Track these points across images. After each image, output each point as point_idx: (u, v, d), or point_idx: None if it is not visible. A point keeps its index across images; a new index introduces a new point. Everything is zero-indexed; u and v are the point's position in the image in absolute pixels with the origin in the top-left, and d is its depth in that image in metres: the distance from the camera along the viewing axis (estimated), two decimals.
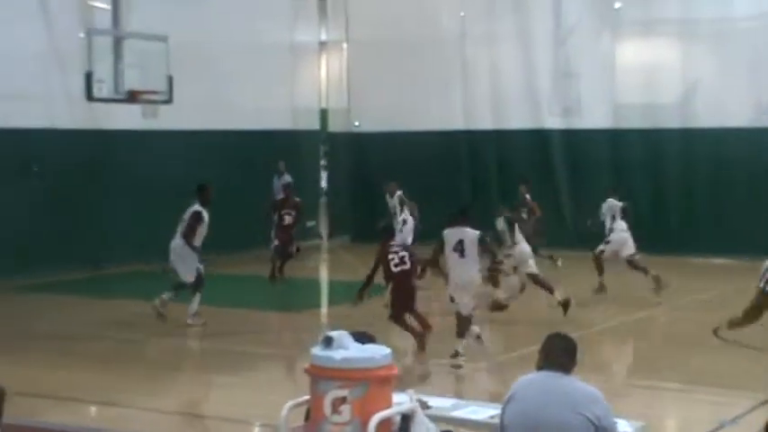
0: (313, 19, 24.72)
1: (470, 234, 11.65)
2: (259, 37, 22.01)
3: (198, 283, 13.98)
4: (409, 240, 16.72)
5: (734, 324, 7.37)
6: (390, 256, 12.05)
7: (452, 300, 11.79)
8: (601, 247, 16.43)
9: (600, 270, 16.42)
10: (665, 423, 9.73)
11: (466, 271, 11.60)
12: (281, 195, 19.86)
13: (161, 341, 13.26)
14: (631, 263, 16.37)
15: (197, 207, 14.14)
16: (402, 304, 12.07)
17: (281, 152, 21.72)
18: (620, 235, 16.37)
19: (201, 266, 14.06)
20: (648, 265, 16.17)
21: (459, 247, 11.61)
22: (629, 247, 16.31)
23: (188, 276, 13.97)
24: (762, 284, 6.91)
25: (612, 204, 16.63)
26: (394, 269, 12.03)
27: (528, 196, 18.65)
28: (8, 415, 8.07)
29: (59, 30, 18.40)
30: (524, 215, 17.77)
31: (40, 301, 16.35)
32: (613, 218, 16.49)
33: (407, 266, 12.05)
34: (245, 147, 21.21)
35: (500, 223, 14.32)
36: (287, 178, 20.41)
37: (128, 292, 16.90)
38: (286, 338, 14.15)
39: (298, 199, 18.86)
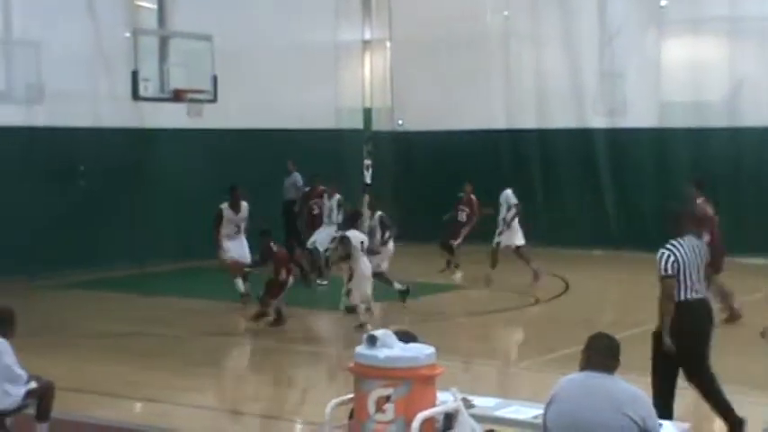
0: (356, 18, 24.74)
1: (362, 235, 14.11)
2: (303, 36, 22.07)
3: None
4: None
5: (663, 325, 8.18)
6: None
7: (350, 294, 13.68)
8: (496, 239, 17.40)
9: (494, 263, 17.34)
10: (712, 425, 9.62)
11: (368, 265, 13.79)
12: (292, 194, 19.97)
13: (204, 338, 13.34)
14: (519, 252, 17.40)
15: (222, 205, 15.37)
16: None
17: (325, 151, 21.78)
18: (513, 226, 17.28)
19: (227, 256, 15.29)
20: (533, 258, 17.25)
21: (362, 246, 13.79)
22: (520, 238, 17.32)
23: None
24: (662, 272, 8.10)
25: (509, 196, 17.46)
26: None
27: (473, 196, 18.76)
28: (54, 410, 8.21)
29: (106, 29, 18.57)
30: (465, 215, 18.73)
31: (86, 298, 16.52)
32: (508, 209, 17.40)
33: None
34: (288, 146, 21.26)
35: (374, 220, 15.68)
36: (296, 177, 20.38)
37: (171, 289, 17.04)
38: (330, 337, 14.18)
39: (322, 187, 18.90)
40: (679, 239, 8.25)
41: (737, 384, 10.73)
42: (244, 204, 15.53)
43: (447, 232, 18.77)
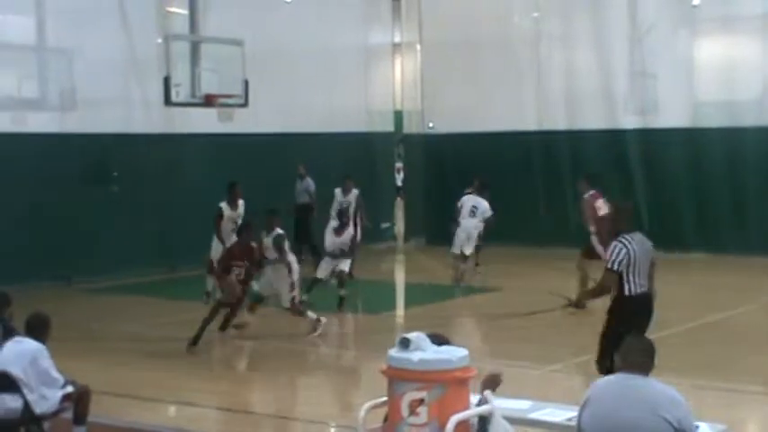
0: (387, 21, 24.77)
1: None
2: (333, 40, 22.13)
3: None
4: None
5: (581, 298, 9.69)
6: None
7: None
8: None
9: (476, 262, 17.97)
10: (747, 426, 9.56)
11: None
12: (304, 199, 19.84)
13: (235, 342, 13.39)
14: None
15: (221, 204, 15.37)
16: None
17: (356, 155, 21.79)
18: (467, 229, 17.45)
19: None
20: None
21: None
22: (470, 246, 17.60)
23: None
24: (609, 265, 8.65)
25: (466, 200, 17.69)
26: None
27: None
28: (90, 414, 8.28)
29: (137, 36, 18.72)
30: None
31: (119, 303, 16.63)
32: (471, 212, 17.53)
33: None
34: (320, 149, 21.31)
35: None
36: (309, 182, 20.29)
37: (202, 294, 17.10)
38: (362, 340, 14.19)
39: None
40: (630, 235, 8.73)
41: (766, 384, 10.69)
42: (241, 202, 15.62)
43: None
